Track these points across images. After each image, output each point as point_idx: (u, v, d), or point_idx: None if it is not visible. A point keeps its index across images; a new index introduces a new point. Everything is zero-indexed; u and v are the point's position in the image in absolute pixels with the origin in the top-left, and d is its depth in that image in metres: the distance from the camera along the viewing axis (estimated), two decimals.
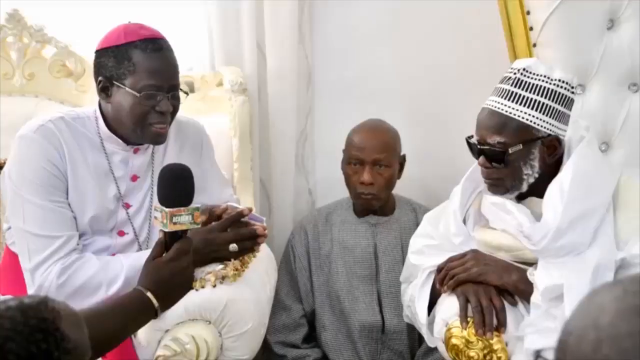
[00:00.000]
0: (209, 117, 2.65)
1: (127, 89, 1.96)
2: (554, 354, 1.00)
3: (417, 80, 2.92)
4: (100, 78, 2.01)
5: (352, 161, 2.55)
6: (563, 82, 1.99)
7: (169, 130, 2.06)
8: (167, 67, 2.00)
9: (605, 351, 0.92)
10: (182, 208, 1.85)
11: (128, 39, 1.97)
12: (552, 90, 1.97)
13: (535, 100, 1.96)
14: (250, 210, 2.08)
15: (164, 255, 1.89)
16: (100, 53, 2.01)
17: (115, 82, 1.98)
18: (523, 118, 1.96)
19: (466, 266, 2.02)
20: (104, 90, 2.01)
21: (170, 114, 2.01)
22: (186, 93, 2.10)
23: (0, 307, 1.12)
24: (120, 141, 2.06)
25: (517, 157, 1.99)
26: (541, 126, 1.96)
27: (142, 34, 1.99)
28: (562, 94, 1.98)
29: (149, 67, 1.96)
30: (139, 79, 1.95)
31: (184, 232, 1.90)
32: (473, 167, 2.14)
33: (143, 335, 1.95)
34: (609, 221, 1.96)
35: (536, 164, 2.00)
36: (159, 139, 2.04)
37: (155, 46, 1.97)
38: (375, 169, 2.53)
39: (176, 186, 1.87)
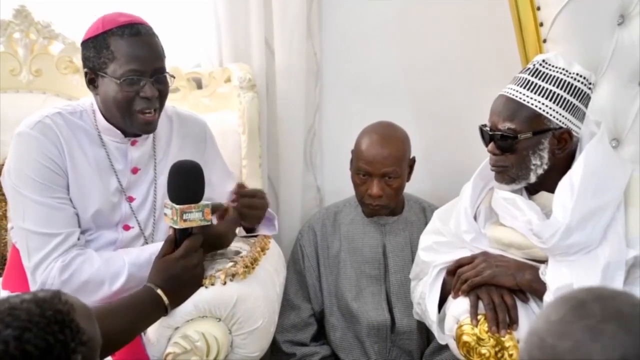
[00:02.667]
0: (217, 113, 2.65)
1: (109, 77, 1.96)
2: None
3: (425, 76, 2.90)
4: (85, 70, 2.02)
5: (360, 172, 2.52)
6: (581, 76, 1.97)
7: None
8: (147, 51, 1.98)
9: (550, 342, 1.01)
10: (192, 205, 1.86)
11: (106, 27, 1.98)
12: (569, 82, 1.96)
13: (550, 91, 1.95)
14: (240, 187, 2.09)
15: (174, 252, 1.90)
16: (83, 45, 2.02)
17: (98, 72, 1.98)
18: (536, 106, 1.95)
19: (478, 269, 2.01)
20: (91, 82, 2.02)
21: (157, 99, 2.00)
22: (172, 76, 2.08)
23: (15, 300, 1.14)
24: (118, 132, 2.06)
25: (526, 146, 1.97)
26: (554, 117, 1.95)
27: (119, 21, 1.98)
28: (579, 88, 1.97)
29: (128, 53, 1.95)
30: (119, 65, 1.95)
31: (194, 228, 1.90)
32: (483, 163, 2.14)
33: (153, 332, 1.94)
34: (619, 219, 1.94)
35: (545, 155, 1.98)
36: (147, 127, 2.02)
37: (132, 31, 1.97)
38: (384, 180, 2.49)
39: (186, 183, 1.88)
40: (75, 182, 2.01)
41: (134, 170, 2.11)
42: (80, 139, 2.03)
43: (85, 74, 2.02)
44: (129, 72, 1.95)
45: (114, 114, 2.01)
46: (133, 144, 2.09)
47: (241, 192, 2.08)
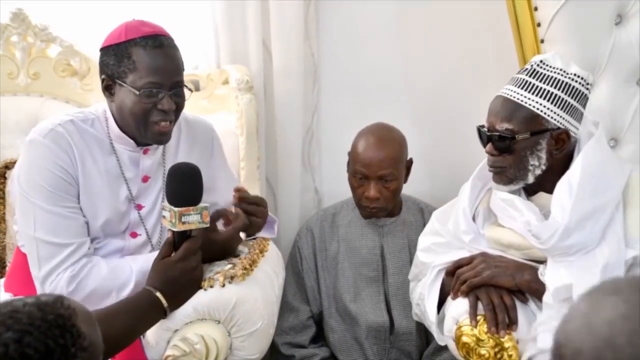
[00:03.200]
0: (215, 115, 2.64)
1: (128, 87, 1.95)
2: None
3: (423, 77, 2.90)
4: (103, 76, 2.00)
5: (357, 175, 2.51)
6: (578, 76, 1.97)
7: (174, 129, 2.05)
8: (168, 64, 1.97)
9: None
10: (190, 207, 1.85)
11: (129, 36, 1.96)
12: (566, 83, 1.96)
13: (548, 91, 1.95)
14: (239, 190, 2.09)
15: (172, 254, 1.90)
16: (103, 52, 2.01)
17: (117, 81, 1.97)
18: (533, 107, 1.95)
19: (477, 270, 2.01)
20: (108, 88, 2.00)
21: (173, 112, 1.99)
22: (190, 90, 2.08)
23: (18, 304, 1.14)
24: (131, 141, 2.05)
25: (524, 146, 1.97)
26: (551, 117, 1.95)
27: (143, 31, 1.97)
28: (576, 88, 1.97)
29: (149, 65, 1.94)
30: (140, 76, 1.94)
31: (192, 231, 1.90)
32: (482, 164, 2.14)
33: (152, 335, 1.94)
34: (618, 219, 1.94)
35: (543, 155, 1.98)
36: (162, 137, 2.02)
37: (155, 43, 1.96)
38: (381, 183, 2.48)
39: (185, 185, 1.87)
40: (85, 191, 2.00)
41: (145, 179, 2.10)
42: (92, 147, 2.02)
43: (102, 80, 2.00)
44: (148, 84, 1.94)
45: (128, 123, 2.00)
46: (145, 152, 2.08)
47: (243, 196, 2.07)
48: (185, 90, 2.04)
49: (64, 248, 1.94)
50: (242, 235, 2.18)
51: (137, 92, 1.94)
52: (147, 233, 2.10)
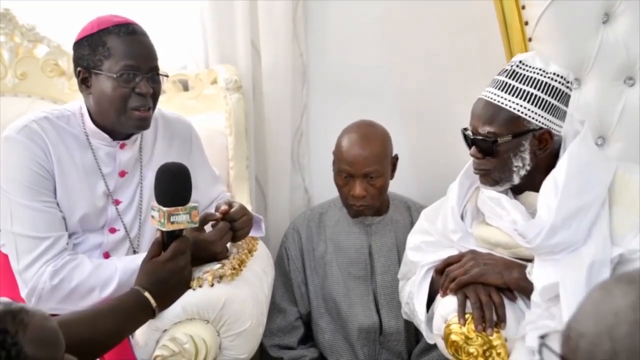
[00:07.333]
0: (204, 115, 2.65)
1: (105, 73, 1.97)
2: (560, 347, 0.99)
3: (412, 76, 2.91)
4: (78, 69, 2.02)
5: (342, 173, 2.50)
6: (558, 75, 1.97)
7: (151, 124, 2.05)
8: (143, 48, 2.00)
9: None
10: (179, 207, 1.85)
11: (101, 26, 1.99)
12: (546, 83, 1.96)
13: (528, 92, 1.96)
14: (226, 211, 2.07)
15: (161, 254, 1.89)
16: (77, 45, 2.03)
17: (93, 71, 1.98)
18: (514, 109, 1.96)
19: (466, 267, 2.01)
20: (84, 81, 2.02)
21: (151, 98, 2.01)
22: (166, 76, 2.09)
23: None
24: (107, 136, 2.06)
25: (507, 149, 1.98)
26: (533, 118, 1.96)
27: (114, 21, 2.00)
28: (557, 88, 1.97)
29: (124, 49, 1.97)
30: (116, 61, 1.96)
31: (181, 231, 1.90)
32: (469, 162, 2.14)
33: (141, 335, 1.94)
34: (604, 217, 1.94)
35: (527, 156, 1.99)
36: (142, 123, 2.02)
37: (128, 29, 1.99)
38: (366, 180, 2.47)
39: (174, 185, 1.87)
40: (62, 186, 2.00)
41: (122, 174, 2.10)
42: (68, 143, 2.03)
43: (78, 73, 2.01)
44: (125, 67, 1.96)
45: (108, 112, 2.00)
46: (122, 147, 2.09)
47: (227, 217, 2.06)
48: (161, 78, 2.05)
49: (42, 241, 1.94)
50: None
51: (115, 76, 1.95)
52: (126, 228, 2.11)
